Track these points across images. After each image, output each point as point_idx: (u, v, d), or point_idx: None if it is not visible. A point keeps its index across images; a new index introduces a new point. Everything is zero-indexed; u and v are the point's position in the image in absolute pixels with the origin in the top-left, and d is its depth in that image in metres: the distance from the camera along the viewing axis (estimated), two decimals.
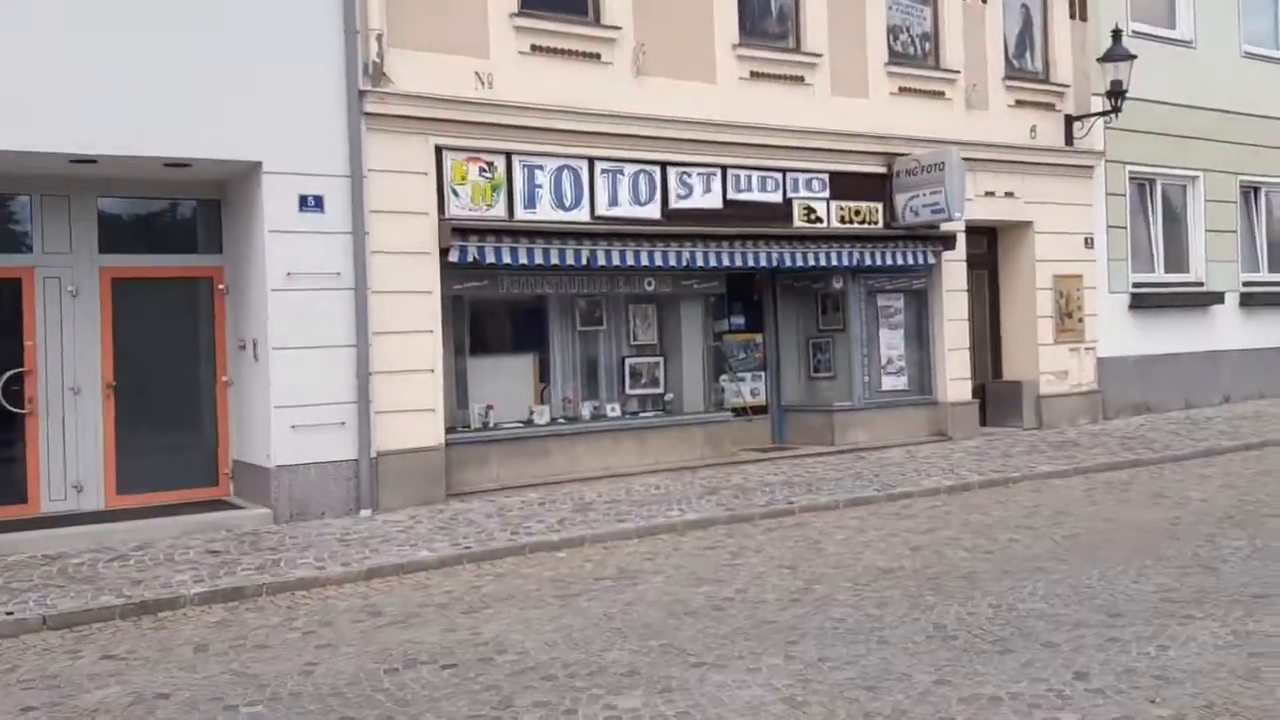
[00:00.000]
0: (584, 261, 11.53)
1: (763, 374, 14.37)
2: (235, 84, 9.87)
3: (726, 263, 12.54)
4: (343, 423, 10.32)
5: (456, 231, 10.78)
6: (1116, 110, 15.56)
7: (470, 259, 10.86)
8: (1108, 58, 15.43)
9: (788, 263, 13.00)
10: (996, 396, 15.90)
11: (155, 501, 10.55)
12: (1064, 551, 8.41)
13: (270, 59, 10.03)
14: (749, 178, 12.97)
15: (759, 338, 14.38)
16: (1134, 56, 15.37)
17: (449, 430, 11.25)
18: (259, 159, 10.02)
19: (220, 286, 11.00)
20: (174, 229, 11.18)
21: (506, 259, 11.05)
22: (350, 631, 6.93)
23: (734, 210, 12.83)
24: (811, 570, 8.08)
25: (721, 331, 13.97)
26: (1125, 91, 15.39)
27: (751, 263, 12.74)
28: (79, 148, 9.33)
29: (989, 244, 16.06)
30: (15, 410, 10.18)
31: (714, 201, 12.71)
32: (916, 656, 5.94)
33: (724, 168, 12.77)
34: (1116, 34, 15.44)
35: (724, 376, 13.60)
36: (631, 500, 10.70)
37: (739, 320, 14.29)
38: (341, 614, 7.37)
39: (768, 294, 14.37)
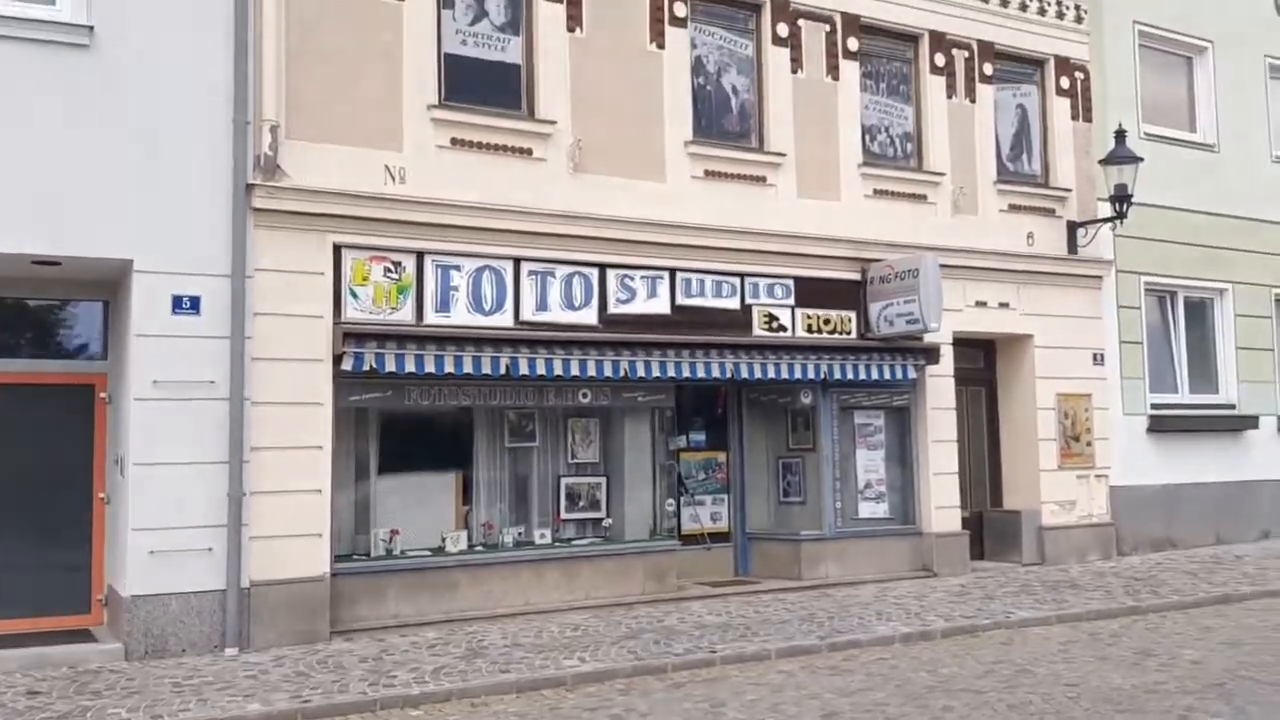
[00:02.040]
0: (502, 370, 10.46)
1: (725, 497, 13.07)
2: (107, 176, 9.10)
3: (672, 373, 11.39)
4: (209, 548, 9.24)
5: (351, 336, 9.80)
6: (1121, 216, 14.31)
7: (367, 367, 9.85)
8: (1110, 160, 14.26)
9: (744, 374, 11.82)
10: (995, 527, 14.41)
11: (13, 629, 9.49)
12: None
13: (148, 150, 9.25)
14: (701, 282, 11.90)
15: (722, 456, 13.11)
16: (1140, 159, 14.18)
17: (342, 558, 10.13)
18: (130, 256, 9.18)
19: (102, 395, 10.12)
20: (58, 332, 10.33)
21: (410, 367, 10.02)
22: None
23: (683, 316, 11.74)
24: None
25: (679, 449, 12.75)
26: (1130, 197, 14.16)
27: (702, 373, 11.58)
28: None
29: (986, 359, 14.75)
30: None
31: (660, 306, 11.64)
32: None
33: (673, 271, 11.72)
34: (1120, 135, 14.28)
35: (671, 501, 12.12)
36: (535, 645, 9.41)
37: (699, 437, 13.05)
38: None
39: (733, 408, 13.15)
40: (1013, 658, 9.09)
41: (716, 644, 9.37)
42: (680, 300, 11.77)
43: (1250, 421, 16.33)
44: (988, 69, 14.23)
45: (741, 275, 12.15)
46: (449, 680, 8.20)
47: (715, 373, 11.66)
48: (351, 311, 10.04)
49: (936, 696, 7.82)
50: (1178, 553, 15.00)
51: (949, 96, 13.91)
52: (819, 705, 7.64)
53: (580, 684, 8.35)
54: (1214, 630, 10.14)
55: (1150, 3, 15.91)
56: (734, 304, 12.10)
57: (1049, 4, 14.74)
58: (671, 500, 12.05)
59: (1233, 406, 16.37)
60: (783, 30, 12.66)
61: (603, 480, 11.89)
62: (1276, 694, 7.70)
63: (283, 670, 8.59)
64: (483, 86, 10.95)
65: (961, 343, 13.78)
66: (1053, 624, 10.49)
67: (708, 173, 12.08)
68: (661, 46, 11.85)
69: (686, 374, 11.50)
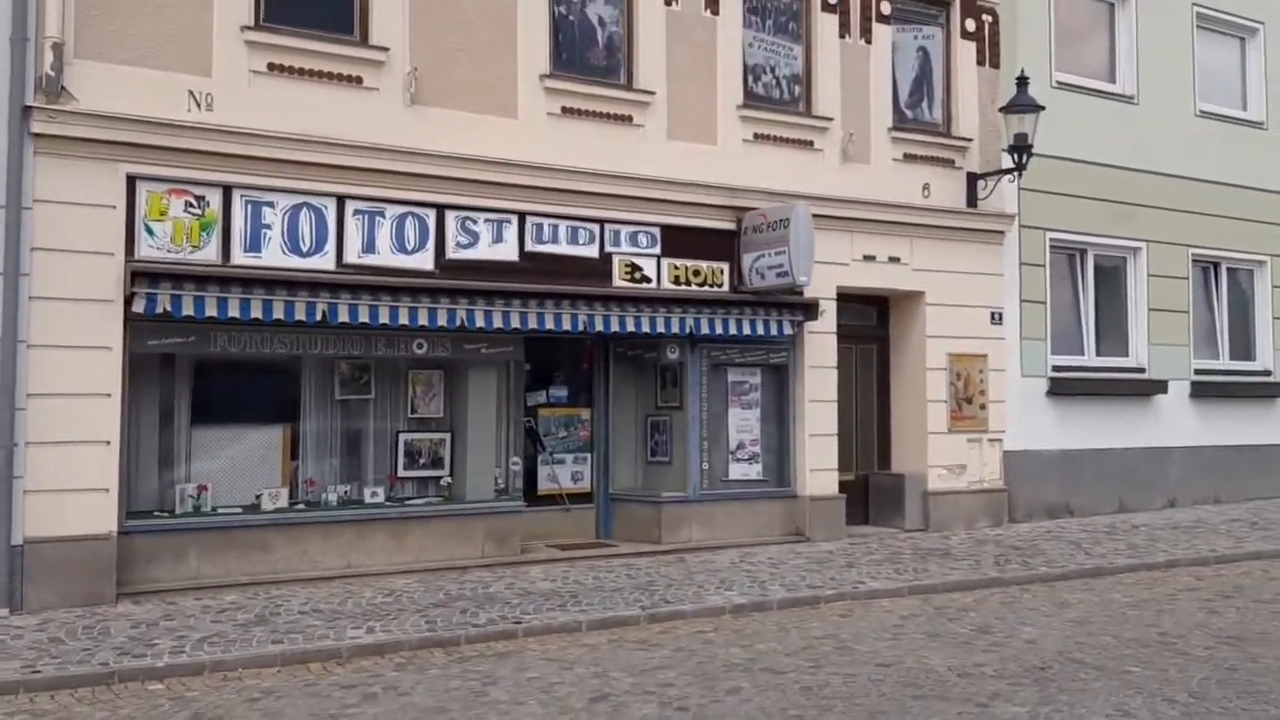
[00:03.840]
0: (319, 317, 9.68)
1: (589, 456, 12.38)
2: None
3: (517, 324, 10.64)
4: None
5: (143, 276, 9.00)
6: (1021, 168, 13.58)
7: (161, 310, 9.05)
8: (1010, 108, 13.50)
9: (599, 327, 11.09)
10: (880, 491, 13.80)
11: None
12: (778, 713, 6.35)
13: None
14: (554, 228, 11.15)
15: (585, 413, 12.41)
16: (1041, 108, 13.42)
17: (139, 515, 9.42)
18: None
19: None
20: None
21: (211, 311, 9.23)
22: None
23: (533, 264, 10.99)
24: None
25: (537, 405, 12.07)
26: (1030, 147, 13.41)
27: (551, 325, 10.83)
28: None
29: (879, 316, 14.06)
30: None
31: (507, 253, 10.88)
32: None
33: (522, 214, 10.96)
34: (1022, 81, 13.51)
35: (517, 459, 11.31)
36: (335, 612, 8.74)
37: (560, 393, 12.36)
38: None
39: (599, 364, 12.43)
40: (841, 633, 8.48)
41: (526, 614, 8.72)
42: (530, 246, 11.01)
43: (1159, 386, 15.75)
44: (885, 8, 13.42)
45: (601, 222, 11.39)
46: (208, 651, 7.52)
47: (566, 325, 10.92)
48: (146, 249, 9.24)
49: (733, 676, 7.20)
50: (1073, 521, 14.45)
51: (842, 36, 13.11)
52: (598, 685, 7.01)
53: (356, 657, 7.69)
54: (1070, 606, 9.55)
55: None
56: (592, 252, 11.35)
57: None
58: (518, 459, 11.32)
59: (1142, 370, 15.78)
60: None
61: (446, 437, 11.17)
62: (1098, 679, 7.10)
63: (40, 635, 7.89)
64: (307, 6, 10.09)
65: (849, 299, 13.09)
66: (903, 596, 9.88)
67: (566, 110, 11.28)
68: None
69: (534, 325, 10.76)
